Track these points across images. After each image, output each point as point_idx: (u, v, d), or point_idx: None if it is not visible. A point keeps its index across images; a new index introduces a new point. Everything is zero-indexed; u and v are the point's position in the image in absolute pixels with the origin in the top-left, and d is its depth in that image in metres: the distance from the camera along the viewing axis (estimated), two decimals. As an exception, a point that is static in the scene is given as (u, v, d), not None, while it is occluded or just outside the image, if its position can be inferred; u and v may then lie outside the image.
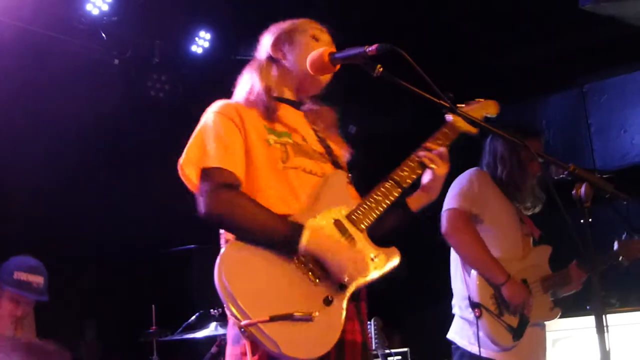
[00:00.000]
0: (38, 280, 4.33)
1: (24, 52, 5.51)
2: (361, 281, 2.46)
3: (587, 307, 4.77)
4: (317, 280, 2.41)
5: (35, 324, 4.62)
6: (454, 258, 4.07)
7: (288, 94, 2.77)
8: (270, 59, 2.77)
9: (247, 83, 2.74)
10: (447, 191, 3.95)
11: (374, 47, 2.44)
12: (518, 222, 4.08)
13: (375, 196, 2.60)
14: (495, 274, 3.83)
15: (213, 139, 2.54)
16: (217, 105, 2.66)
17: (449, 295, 4.11)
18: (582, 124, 7.28)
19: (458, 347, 3.95)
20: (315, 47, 2.68)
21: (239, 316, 2.27)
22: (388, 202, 2.61)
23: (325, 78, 2.76)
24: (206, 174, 2.50)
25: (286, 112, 2.72)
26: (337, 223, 2.51)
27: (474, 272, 3.88)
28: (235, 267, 2.33)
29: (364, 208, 2.58)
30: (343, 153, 2.85)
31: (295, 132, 2.68)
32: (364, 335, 2.57)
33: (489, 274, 3.84)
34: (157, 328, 5.63)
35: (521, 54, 7.35)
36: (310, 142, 2.71)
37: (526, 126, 4.24)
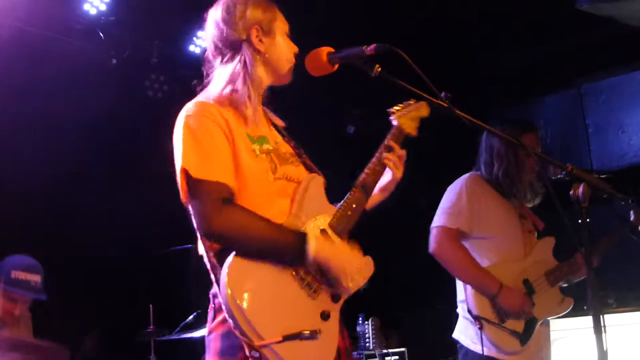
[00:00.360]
0: (35, 278, 4.35)
1: (21, 52, 5.50)
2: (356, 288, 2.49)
3: (585, 308, 4.77)
4: (314, 294, 2.41)
5: (32, 323, 4.63)
6: None
7: (259, 86, 2.64)
8: (252, 47, 2.60)
9: (221, 82, 2.57)
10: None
11: (372, 47, 2.44)
12: (517, 221, 4.08)
13: (351, 204, 2.60)
14: (486, 286, 3.83)
15: (203, 146, 2.41)
16: (199, 107, 2.50)
17: (447, 295, 4.11)
18: (580, 124, 7.30)
19: (462, 346, 3.95)
20: (286, 44, 2.66)
21: (251, 337, 2.24)
22: (360, 209, 2.62)
23: (289, 75, 2.69)
24: (202, 185, 2.37)
25: (257, 112, 2.63)
26: (323, 232, 2.49)
27: (469, 286, 3.89)
28: (243, 286, 2.28)
29: (343, 216, 2.56)
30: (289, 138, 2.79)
31: (268, 135, 2.62)
32: (347, 340, 2.60)
33: (481, 288, 3.85)
34: (155, 328, 5.63)
35: (518, 54, 7.36)
36: (280, 142, 2.67)
37: (522, 121, 4.24)
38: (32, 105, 5.69)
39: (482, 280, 3.85)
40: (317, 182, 2.61)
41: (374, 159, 2.74)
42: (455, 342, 4.02)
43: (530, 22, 6.69)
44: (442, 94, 2.82)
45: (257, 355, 2.25)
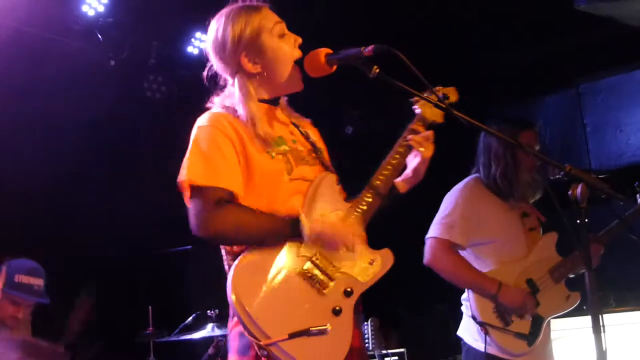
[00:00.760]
0: (38, 282, 4.39)
1: (20, 53, 5.50)
2: (363, 285, 2.50)
3: (584, 307, 4.77)
4: (325, 291, 2.42)
5: (30, 323, 4.64)
6: None
7: (268, 95, 2.67)
8: (246, 74, 2.61)
9: (235, 98, 2.61)
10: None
11: (370, 48, 2.44)
12: (518, 221, 4.07)
13: (364, 200, 2.61)
14: (485, 288, 3.85)
15: (207, 154, 2.46)
16: (208, 117, 2.56)
17: (446, 295, 4.11)
18: (578, 124, 7.30)
19: (465, 344, 3.97)
20: (285, 46, 2.63)
21: (258, 336, 2.28)
22: (377, 202, 2.63)
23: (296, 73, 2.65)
24: (199, 191, 2.43)
25: (271, 114, 2.66)
26: None
27: (470, 292, 3.90)
28: (249, 287, 2.33)
29: (357, 212, 2.58)
30: (318, 137, 2.83)
31: (286, 134, 2.65)
32: (361, 340, 2.60)
33: (480, 290, 3.86)
34: (154, 329, 5.63)
35: (517, 54, 7.37)
36: (299, 141, 2.69)
37: (519, 119, 4.24)
38: (31, 105, 5.69)
39: (479, 282, 3.87)
40: (330, 180, 2.62)
41: (395, 146, 2.74)
42: (460, 339, 4.03)
43: (529, 22, 6.69)
44: (441, 95, 2.83)
45: (266, 353, 2.29)
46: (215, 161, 2.45)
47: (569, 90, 7.40)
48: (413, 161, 2.76)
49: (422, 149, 2.72)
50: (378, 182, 2.65)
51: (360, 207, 2.60)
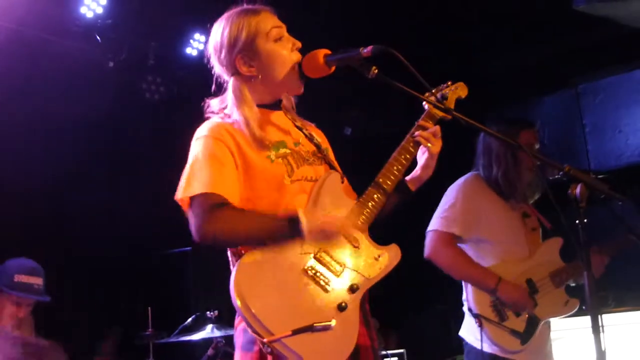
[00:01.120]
0: (38, 281, 4.41)
1: (18, 54, 5.50)
2: (369, 281, 2.51)
3: (583, 308, 4.77)
4: (329, 287, 2.42)
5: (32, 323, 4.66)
6: None
7: (267, 100, 2.68)
8: (241, 77, 2.63)
9: (232, 106, 2.61)
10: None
11: (368, 48, 2.45)
12: (519, 221, 4.07)
13: (372, 196, 2.62)
14: (484, 282, 3.86)
15: (203, 165, 2.48)
16: (207, 127, 2.57)
17: (445, 296, 4.11)
18: (577, 124, 7.30)
19: (467, 344, 3.97)
20: (283, 49, 2.63)
21: (261, 333, 2.29)
22: (383, 200, 2.63)
23: (295, 75, 2.65)
24: (194, 200, 2.45)
25: (271, 118, 2.67)
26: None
27: (468, 285, 3.91)
28: (252, 286, 2.34)
29: (362, 210, 2.59)
30: (323, 138, 2.85)
31: (287, 138, 2.65)
32: (371, 337, 2.59)
33: (479, 284, 3.87)
34: (153, 330, 5.63)
35: (516, 54, 7.37)
36: (303, 142, 2.69)
37: (518, 118, 4.24)
38: (30, 106, 5.70)
39: (479, 275, 3.88)
40: (334, 179, 2.63)
41: (403, 143, 2.75)
42: (461, 339, 4.03)
43: (528, 22, 6.69)
44: (439, 95, 2.83)
45: (270, 350, 2.30)
46: (211, 170, 2.46)
47: (568, 91, 7.40)
48: (422, 158, 2.79)
49: (429, 145, 2.73)
50: (383, 179, 2.65)
51: (366, 205, 2.60)
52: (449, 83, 3.04)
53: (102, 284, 6.42)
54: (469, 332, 3.95)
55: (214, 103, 2.69)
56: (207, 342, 5.53)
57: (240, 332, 2.49)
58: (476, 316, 3.81)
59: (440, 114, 2.81)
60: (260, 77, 2.62)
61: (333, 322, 2.35)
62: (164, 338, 5.66)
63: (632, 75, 6.98)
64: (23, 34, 5.50)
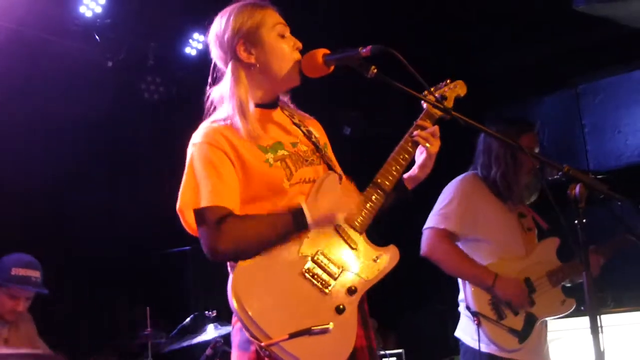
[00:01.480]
0: (35, 274, 4.44)
1: (17, 53, 5.50)
2: (368, 283, 2.50)
3: (582, 308, 4.77)
4: (327, 289, 2.42)
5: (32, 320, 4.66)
6: None
7: (263, 97, 2.66)
8: (240, 63, 2.62)
9: (223, 101, 2.61)
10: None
11: (367, 48, 2.44)
12: (516, 221, 4.07)
13: (370, 197, 2.62)
14: (481, 279, 3.86)
15: (202, 175, 2.46)
16: (201, 133, 2.55)
17: (444, 295, 4.11)
18: (576, 124, 7.31)
19: (463, 344, 3.97)
20: (284, 46, 2.62)
21: (258, 337, 2.28)
22: (381, 201, 2.63)
23: (296, 74, 2.65)
24: (199, 215, 2.44)
25: (269, 118, 2.66)
26: (337, 228, 2.52)
27: (466, 282, 3.91)
28: (249, 289, 2.33)
29: (362, 209, 2.59)
30: (322, 132, 2.83)
31: (284, 138, 2.63)
32: (368, 339, 2.58)
33: (476, 280, 3.87)
34: (152, 330, 5.62)
35: (515, 54, 7.37)
36: (301, 141, 2.68)
37: (520, 120, 4.24)
38: (30, 105, 5.70)
39: (476, 272, 3.88)
40: (332, 179, 2.60)
41: (402, 142, 2.75)
42: (458, 340, 4.04)
43: (527, 22, 6.70)
44: (438, 95, 2.83)
45: (268, 354, 2.29)
46: (211, 181, 2.45)
47: (568, 91, 7.40)
48: (420, 157, 2.79)
49: (428, 145, 2.73)
50: (382, 180, 2.66)
51: (364, 206, 2.60)
52: (448, 81, 3.04)
53: (102, 283, 6.41)
54: (465, 332, 3.96)
55: (215, 93, 2.67)
56: (206, 342, 5.53)
57: (237, 331, 2.48)
58: (474, 314, 3.81)
59: (439, 112, 2.81)
60: (258, 66, 2.60)
61: (331, 325, 2.34)
62: (162, 338, 5.65)
63: (632, 75, 6.98)
64: (22, 33, 5.49)
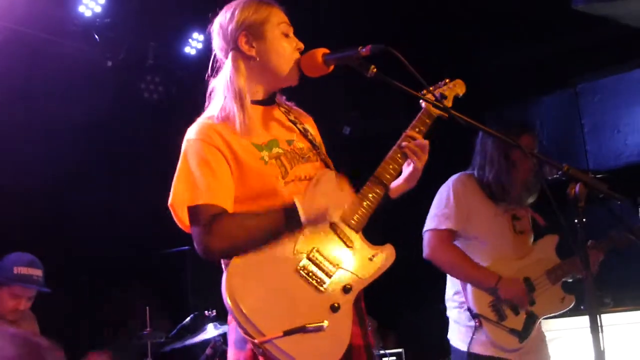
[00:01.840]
0: (37, 273, 4.44)
1: (16, 54, 5.50)
2: (363, 281, 2.49)
3: (582, 307, 4.78)
4: (323, 287, 2.41)
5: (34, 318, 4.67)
6: None
7: (259, 94, 2.66)
8: (240, 54, 2.62)
9: (221, 96, 2.62)
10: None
11: (367, 47, 2.44)
12: (507, 223, 4.07)
13: (367, 195, 2.61)
14: (484, 280, 3.87)
15: (196, 173, 2.46)
16: (196, 130, 2.54)
17: (444, 295, 4.12)
18: (576, 124, 7.30)
19: (451, 346, 4.00)
20: (287, 45, 2.63)
21: (252, 334, 2.27)
22: (377, 201, 2.63)
23: (295, 74, 2.66)
24: (192, 212, 2.45)
25: (265, 115, 2.65)
26: (333, 226, 2.51)
27: (469, 285, 3.91)
28: (243, 286, 2.32)
29: (358, 208, 2.58)
30: (316, 132, 2.83)
31: (280, 136, 2.63)
32: (365, 338, 2.57)
33: (479, 283, 3.88)
34: (151, 330, 5.62)
35: (514, 54, 7.37)
36: (296, 139, 2.67)
37: (519, 122, 4.24)
38: (29, 105, 5.70)
39: (479, 275, 3.89)
40: (329, 177, 2.58)
41: (394, 147, 2.73)
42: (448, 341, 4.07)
43: (526, 22, 6.69)
44: (438, 94, 2.83)
45: (261, 351, 2.29)
46: (204, 179, 2.45)
47: (567, 90, 7.39)
48: (406, 170, 2.76)
49: (416, 159, 2.71)
50: (373, 183, 2.65)
51: (360, 204, 2.59)
52: (447, 80, 3.04)
53: (102, 283, 6.42)
54: (453, 334, 4.00)
55: (215, 83, 2.67)
56: (206, 342, 5.53)
57: (232, 329, 2.48)
58: (475, 316, 3.82)
59: (437, 112, 2.80)
60: (258, 60, 2.61)
61: (325, 323, 2.33)
62: (162, 337, 5.66)
63: (631, 75, 6.98)
64: (21, 33, 5.50)
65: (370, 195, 2.62)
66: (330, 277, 2.44)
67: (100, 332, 6.72)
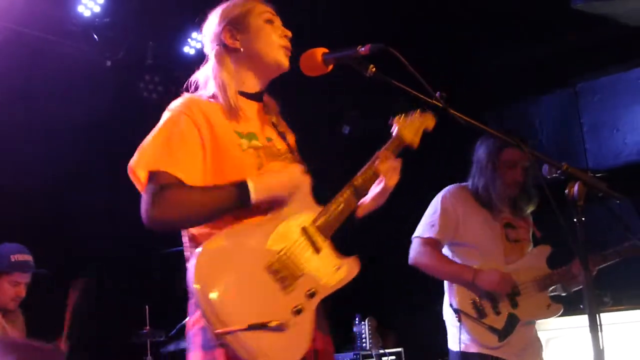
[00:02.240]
0: (30, 258, 4.58)
1: (15, 53, 5.50)
2: (327, 289, 2.48)
3: (581, 306, 4.79)
4: (288, 288, 2.39)
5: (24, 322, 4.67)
6: None
7: (247, 85, 2.67)
8: (225, 49, 2.65)
9: (208, 79, 2.64)
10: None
11: (366, 47, 2.45)
12: (499, 230, 4.14)
13: (339, 203, 2.60)
14: (462, 276, 3.98)
15: (165, 140, 2.47)
16: (181, 101, 2.57)
17: (444, 295, 4.16)
18: (575, 123, 7.31)
19: (448, 349, 4.09)
20: (271, 31, 2.65)
21: (213, 323, 2.23)
22: (349, 210, 2.62)
23: (283, 59, 2.66)
24: (150, 177, 2.45)
25: (248, 108, 2.64)
26: (304, 230, 2.50)
27: (455, 285, 4.04)
28: (213, 273, 2.29)
29: (329, 216, 2.56)
30: (293, 142, 2.81)
31: (260, 132, 2.62)
32: (326, 343, 2.57)
33: (459, 280, 4.00)
34: (151, 329, 5.62)
35: (513, 54, 7.37)
36: (274, 139, 2.67)
37: (502, 136, 4.24)
38: (29, 105, 5.70)
39: (457, 271, 4.02)
40: (293, 169, 2.56)
41: (368, 164, 2.73)
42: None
43: (525, 21, 6.69)
44: (437, 94, 2.83)
45: (219, 342, 2.25)
46: (169, 146, 2.45)
47: (566, 90, 7.40)
48: (375, 188, 2.75)
49: (388, 179, 2.71)
50: (359, 187, 2.66)
51: (331, 206, 2.58)
52: (418, 111, 3.02)
53: (102, 283, 6.42)
54: (448, 335, 4.09)
55: (199, 74, 2.69)
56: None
57: (198, 331, 2.41)
58: (456, 311, 3.93)
59: (408, 140, 2.87)
60: (242, 51, 2.63)
61: (287, 324, 2.32)
62: (161, 337, 5.66)
63: (630, 74, 6.98)
64: (20, 33, 5.50)
65: (343, 204, 2.60)
66: (296, 279, 2.41)
67: (99, 331, 6.72)
